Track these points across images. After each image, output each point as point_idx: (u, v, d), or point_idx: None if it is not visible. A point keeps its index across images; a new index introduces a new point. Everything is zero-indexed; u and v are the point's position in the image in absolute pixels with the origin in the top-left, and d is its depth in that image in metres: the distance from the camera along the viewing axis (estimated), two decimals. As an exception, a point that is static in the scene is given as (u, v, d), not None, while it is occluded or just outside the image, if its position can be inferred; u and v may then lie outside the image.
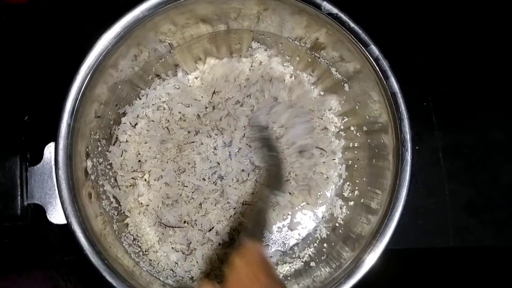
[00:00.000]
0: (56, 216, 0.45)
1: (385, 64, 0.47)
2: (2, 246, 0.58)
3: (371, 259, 0.47)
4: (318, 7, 0.47)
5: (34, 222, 0.47)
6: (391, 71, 0.47)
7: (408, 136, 0.47)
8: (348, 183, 0.58)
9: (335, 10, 0.47)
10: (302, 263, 0.57)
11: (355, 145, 0.58)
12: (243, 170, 0.56)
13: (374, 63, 0.47)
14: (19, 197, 0.44)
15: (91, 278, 0.57)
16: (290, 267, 0.57)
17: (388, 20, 0.66)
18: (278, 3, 0.51)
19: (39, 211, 0.46)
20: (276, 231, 0.58)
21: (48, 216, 0.45)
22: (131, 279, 0.46)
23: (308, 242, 0.58)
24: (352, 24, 0.47)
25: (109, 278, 0.44)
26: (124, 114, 0.57)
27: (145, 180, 0.56)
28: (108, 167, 0.55)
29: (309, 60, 0.59)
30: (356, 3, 0.49)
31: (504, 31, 0.67)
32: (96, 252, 0.44)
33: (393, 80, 0.47)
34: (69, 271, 0.60)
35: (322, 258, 0.55)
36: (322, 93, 0.60)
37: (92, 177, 0.51)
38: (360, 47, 0.49)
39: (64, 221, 0.45)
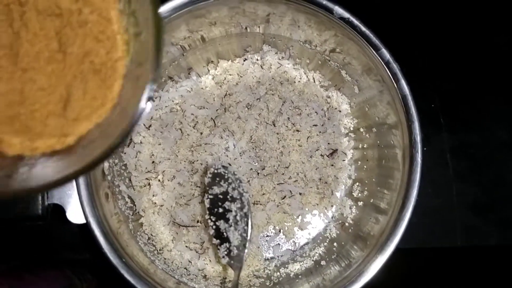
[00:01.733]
0: (75, 215, 0.46)
1: (395, 67, 0.48)
2: (19, 244, 0.60)
3: (381, 259, 0.48)
4: (330, 11, 0.49)
5: (53, 222, 0.48)
6: (402, 74, 0.48)
7: (418, 138, 0.48)
8: (357, 183, 0.59)
9: (346, 15, 0.48)
10: (313, 262, 0.58)
11: (365, 146, 0.59)
12: (251, 169, 0.58)
13: (384, 66, 0.49)
14: (40, 198, 0.45)
15: (105, 276, 0.58)
16: (301, 265, 0.58)
17: (396, 23, 0.66)
18: (288, 6, 0.52)
19: (58, 211, 0.47)
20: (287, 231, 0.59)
21: (67, 216, 0.46)
22: (147, 277, 0.48)
23: (318, 241, 0.59)
24: (363, 28, 0.48)
25: (127, 275, 0.45)
26: (138, 116, 0.58)
27: (159, 180, 0.57)
28: (123, 167, 0.56)
29: (319, 62, 0.60)
30: (363, 6, 0.50)
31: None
32: (114, 250, 0.46)
33: (403, 83, 0.48)
34: (84, 270, 0.61)
35: (332, 257, 0.56)
36: (332, 95, 0.61)
37: (109, 177, 0.52)
38: (371, 50, 0.50)
39: (83, 221, 0.46)
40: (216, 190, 0.53)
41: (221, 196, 0.52)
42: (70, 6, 0.26)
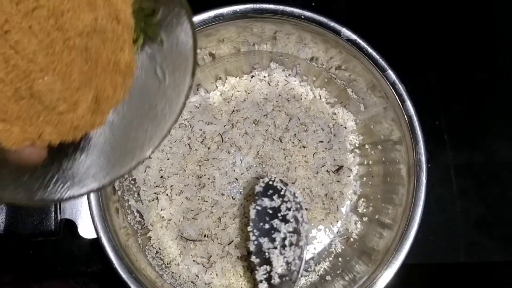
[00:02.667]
0: (87, 230, 0.47)
1: (401, 88, 0.49)
2: (27, 257, 0.61)
3: (386, 276, 0.48)
4: (337, 33, 0.50)
5: (65, 236, 0.49)
6: (407, 95, 0.49)
7: (423, 158, 0.49)
8: (362, 199, 0.60)
9: (354, 37, 0.49)
10: (318, 277, 0.59)
11: (370, 162, 0.60)
12: (257, 184, 0.58)
13: (390, 87, 0.50)
14: (53, 213, 0.46)
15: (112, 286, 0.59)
16: (306, 280, 0.59)
17: (399, 40, 0.68)
18: (294, 26, 0.53)
19: (69, 226, 0.48)
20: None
21: (79, 231, 0.47)
22: (155, 291, 0.49)
23: (324, 256, 0.60)
24: (370, 50, 0.49)
25: (136, 290, 0.46)
26: (147, 131, 0.59)
27: (167, 195, 0.58)
28: (132, 182, 0.57)
29: (326, 80, 0.61)
30: (360, 13, 0.50)
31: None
32: (124, 265, 0.47)
33: (409, 104, 0.49)
34: (87, 280, 0.62)
35: (337, 272, 0.57)
36: (338, 111, 0.62)
37: (119, 192, 0.53)
38: (376, 69, 0.51)
39: (94, 236, 0.47)
40: (267, 203, 0.49)
41: (270, 211, 0.49)
42: (106, 25, 0.28)
